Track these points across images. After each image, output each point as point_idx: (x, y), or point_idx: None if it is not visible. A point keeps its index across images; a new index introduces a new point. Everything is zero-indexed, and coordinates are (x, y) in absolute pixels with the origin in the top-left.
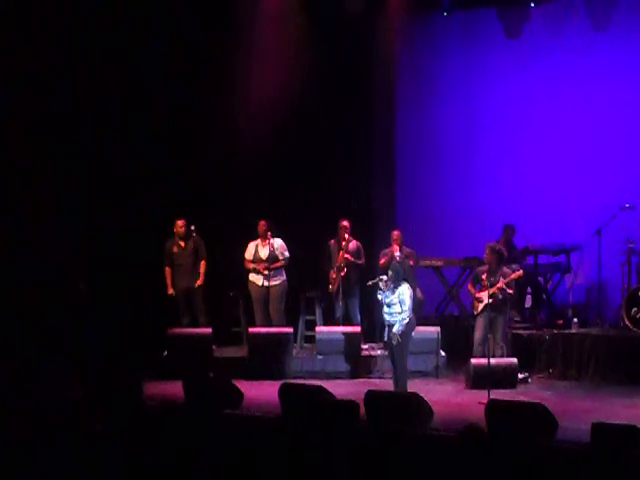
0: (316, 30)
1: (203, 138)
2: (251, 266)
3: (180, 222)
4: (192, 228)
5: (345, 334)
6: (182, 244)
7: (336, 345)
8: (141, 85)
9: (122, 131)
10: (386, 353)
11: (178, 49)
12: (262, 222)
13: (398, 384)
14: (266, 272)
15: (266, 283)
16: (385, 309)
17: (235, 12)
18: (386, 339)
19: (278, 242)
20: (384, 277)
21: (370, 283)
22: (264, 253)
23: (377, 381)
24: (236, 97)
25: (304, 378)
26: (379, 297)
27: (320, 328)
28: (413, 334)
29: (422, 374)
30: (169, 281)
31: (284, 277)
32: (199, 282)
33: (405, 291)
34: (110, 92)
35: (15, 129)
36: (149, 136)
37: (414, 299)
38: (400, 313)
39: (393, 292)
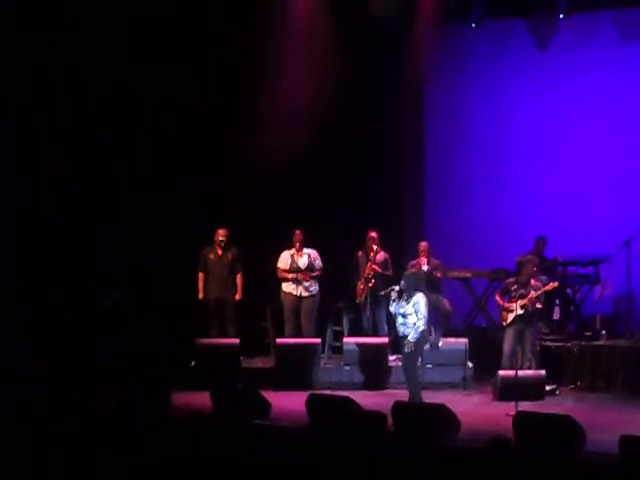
0: (346, 40)
1: (232, 147)
2: (289, 275)
3: (222, 231)
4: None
5: (372, 345)
6: (219, 252)
7: (363, 356)
8: (173, 92)
9: (158, 138)
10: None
11: (207, 55)
12: (298, 232)
13: (412, 394)
14: (307, 282)
15: (303, 293)
16: (400, 320)
17: (264, 24)
18: (401, 349)
19: (313, 252)
20: (396, 287)
21: (382, 293)
22: (302, 262)
23: (405, 392)
24: (268, 108)
25: (331, 389)
26: (391, 309)
27: (347, 339)
28: (441, 344)
29: (450, 385)
30: (201, 286)
31: (317, 288)
32: (238, 296)
33: (420, 300)
34: (143, 97)
35: (46, 134)
36: (181, 143)
37: (440, 310)
38: (415, 323)
39: (408, 302)
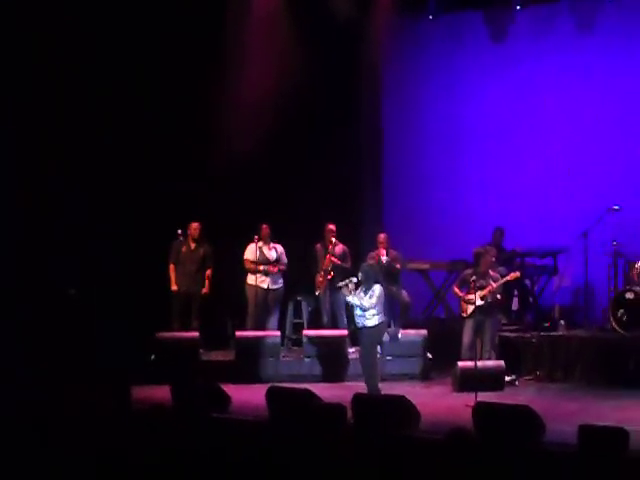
0: (305, 31)
1: (193, 141)
2: (260, 267)
3: (195, 224)
4: (179, 232)
5: (331, 337)
6: (192, 246)
7: (323, 348)
8: (135, 88)
9: (120, 132)
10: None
11: (170, 52)
12: (265, 226)
13: (369, 387)
14: (276, 274)
15: (271, 286)
16: (358, 312)
17: (225, 16)
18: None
19: (280, 247)
20: (354, 279)
21: (340, 284)
22: (271, 255)
23: (364, 385)
24: (227, 101)
25: (291, 381)
26: (348, 299)
27: (307, 331)
28: (400, 336)
29: (409, 377)
30: (173, 278)
31: (282, 282)
32: (205, 290)
33: (377, 293)
34: (107, 94)
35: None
36: (141, 138)
37: (399, 302)
38: (375, 315)
39: (366, 294)
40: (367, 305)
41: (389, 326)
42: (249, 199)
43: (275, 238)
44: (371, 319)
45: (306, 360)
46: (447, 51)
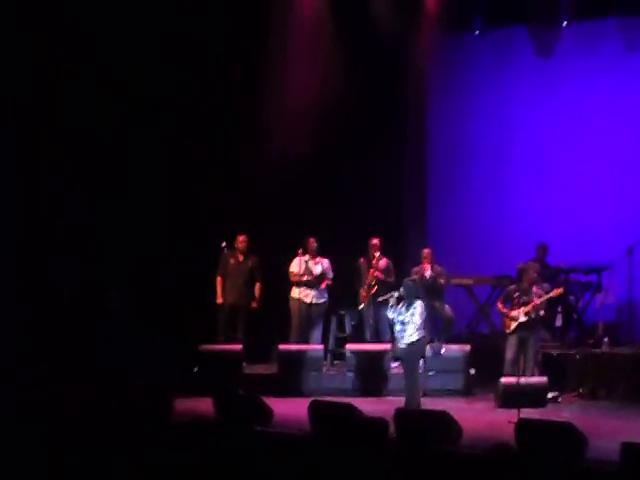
0: (348, 48)
1: (236, 154)
2: (302, 279)
3: (241, 237)
4: (223, 245)
5: (374, 352)
6: (240, 259)
7: (365, 363)
8: (181, 93)
9: (168, 141)
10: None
11: (209, 58)
12: (312, 239)
13: (409, 400)
14: (322, 288)
15: (314, 300)
16: (398, 327)
17: (269, 20)
18: (400, 356)
19: (326, 261)
20: (395, 293)
21: (381, 299)
22: (317, 270)
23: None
24: (271, 115)
25: (333, 395)
26: (389, 315)
27: (350, 346)
28: (443, 351)
29: (451, 392)
30: (219, 290)
31: (327, 297)
32: (255, 304)
33: (418, 309)
34: (154, 98)
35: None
36: (189, 148)
37: (442, 317)
38: (416, 331)
39: (407, 310)
40: (408, 320)
41: (432, 341)
42: (294, 212)
43: (320, 252)
44: (412, 335)
45: (349, 374)
46: (493, 67)
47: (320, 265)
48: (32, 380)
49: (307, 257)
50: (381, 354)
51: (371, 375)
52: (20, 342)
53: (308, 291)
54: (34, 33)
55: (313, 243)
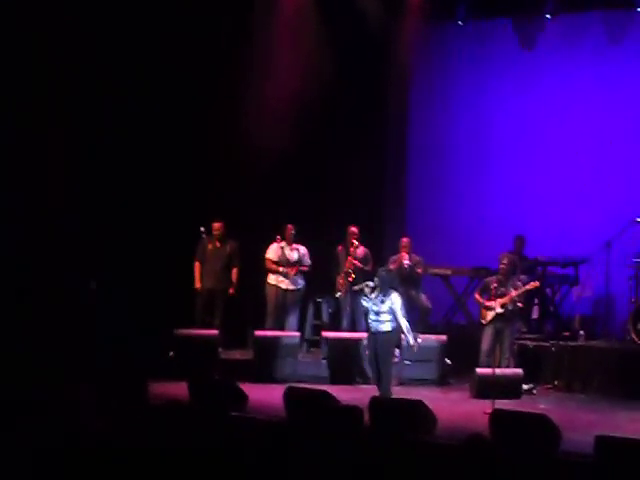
0: (332, 34)
1: (220, 143)
2: (280, 268)
3: (217, 224)
4: (202, 230)
5: (351, 340)
6: (218, 244)
7: (341, 351)
8: (160, 83)
9: (147, 127)
10: (393, 360)
11: (194, 51)
12: (290, 226)
13: (382, 389)
14: (295, 275)
15: (290, 287)
16: (372, 316)
17: (253, 12)
18: (369, 346)
19: (303, 248)
20: (370, 283)
21: (356, 288)
22: (293, 256)
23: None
24: (252, 104)
25: (309, 382)
26: (364, 303)
27: (326, 333)
28: (420, 341)
29: (427, 382)
30: (197, 275)
31: (304, 283)
32: (232, 290)
33: (395, 300)
34: (131, 88)
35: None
36: (168, 134)
37: (419, 307)
38: (390, 321)
39: (383, 301)
40: (383, 310)
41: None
42: (272, 198)
43: (298, 239)
44: (385, 324)
45: (324, 362)
46: (476, 57)
47: (297, 252)
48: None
49: (284, 244)
50: (357, 342)
51: (347, 363)
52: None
53: (283, 277)
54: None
55: (291, 230)
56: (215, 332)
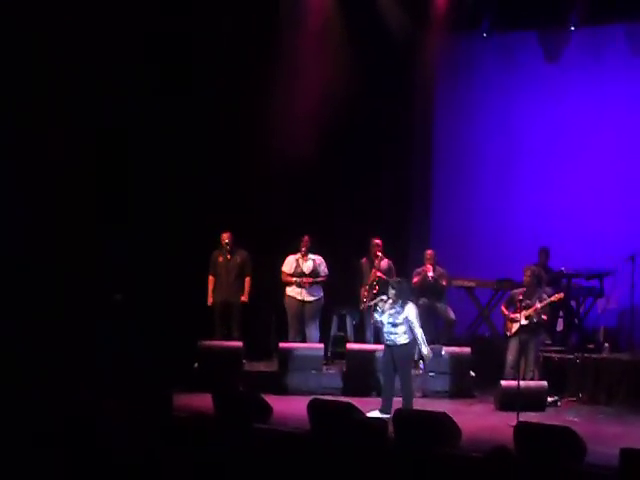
0: (358, 45)
1: (245, 153)
2: (292, 279)
3: (225, 235)
4: (227, 241)
5: (375, 352)
6: (228, 256)
7: (365, 363)
8: (185, 100)
9: (164, 145)
10: (416, 372)
11: (221, 65)
12: (306, 237)
13: (404, 402)
14: (310, 286)
15: (306, 298)
16: (388, 328)
17: (278, 29)
18: (385, 359)
19: (319, 258)
20: (384, 297)
21: (371, 303)
22: (307, 267)
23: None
24: (277, 114)
25: (334, 394)
26: (377, 317)
27: (351, 345)
28: (443, 353)
29: (451, 394)
30: (210, 290)
31: (322, 294)
32: (244, 298)
33: (411, 310)
34: (151, 98)
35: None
36: (193, 149)
37: (444, 319)
38: (406, 333)
39: (400, 313)
40: (399, 322)
41: (432, 343)
42: (297, 210)
43: (319, 250)
44: (402, 336)
45: (349, 374)
46: (500, 69)
47: (311, 262)
48: (34, 381)
49: (299, 255)
50: (372, 354)
51: (371, 375)
52: (23, 342)
53: (299, 289)
54: (35, 33)
55: (307, 241)
56: (240, 344)
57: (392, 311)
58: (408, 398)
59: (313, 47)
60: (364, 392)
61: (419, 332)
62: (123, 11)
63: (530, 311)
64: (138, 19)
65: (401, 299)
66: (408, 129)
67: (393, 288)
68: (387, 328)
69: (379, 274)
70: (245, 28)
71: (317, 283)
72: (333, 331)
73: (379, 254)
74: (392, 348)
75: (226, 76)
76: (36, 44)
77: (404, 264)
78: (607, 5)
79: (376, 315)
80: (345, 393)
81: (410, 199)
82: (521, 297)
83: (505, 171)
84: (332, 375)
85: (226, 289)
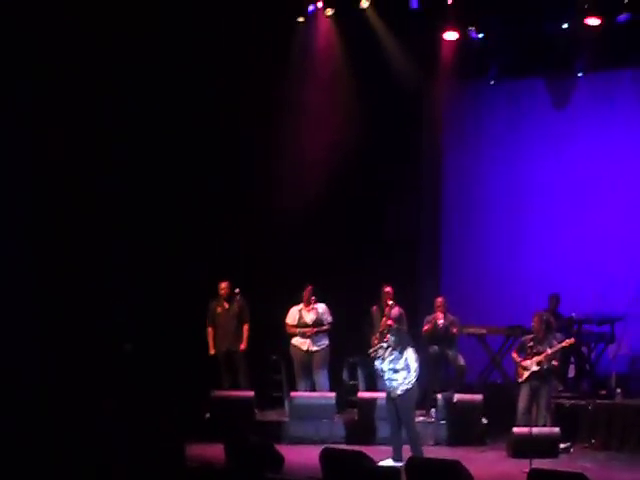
0: (365, 94)
1: (249, 200)
2: (296, 331)
3: (223, 284)
4: (236, 291)
5: (370, 399)
6: (226, 305)
7: (379, 411)
8: (192, 146)
9: (167, 190)
10: (428, 420)
11: (229, 109)
12: (309, 287)
13: (414, 448)
14: (316, 336)
15: (311, 348)
16: (389, 375)
17: (285, 68)
18: (388, 407)
19: (322, 306)
20: (384, 344)
21: (372, 351)
22: (310, 318)
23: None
24: (284, 160)
25: (346, 443)
26: (377, 365)
27: (362, 394)
28: (455, 401)
29: (464, 442)
30: (211, 341)
31: (327, 342)
32: (242, 346)
33: (411, 356)
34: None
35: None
36: (195, 196)
37: (455, 366)
38: (405, 379)
39: (399, 358)
40: (400, 368)
41: (444, 390)
42: (307, 258)
43: (329, 297)
44: (403, 383)
45: (361, 422)
46: (508, 116)
47: (313, 312)
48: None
49: (301, 306)
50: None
51: (384, 423)
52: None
53: (304, 339)
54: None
55: (309, 291)
56: (251, 393)
57: (391, 357)
58: (415, 444)
59: (321, 97)
60: (377, 440)
61: (412, 375)
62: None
63: (541, 357)
64: None
65: (402, 344)
66: (417, 177)
67: (392, 335)
68: (387, 375)
69: (390, 322)
70: (254, 77)
71: (322, 332)
72: (345, 379)
73: (390, 302)
74: (393, 397)
75: (233, 118)
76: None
77: (415, 312)
78: (614, 51)
79: (377, 363)
80: (357, 442)
81: (420, 247)
82: (532, 344)
83: (515, 217)
84: (345, 424)
85: (228, 338)
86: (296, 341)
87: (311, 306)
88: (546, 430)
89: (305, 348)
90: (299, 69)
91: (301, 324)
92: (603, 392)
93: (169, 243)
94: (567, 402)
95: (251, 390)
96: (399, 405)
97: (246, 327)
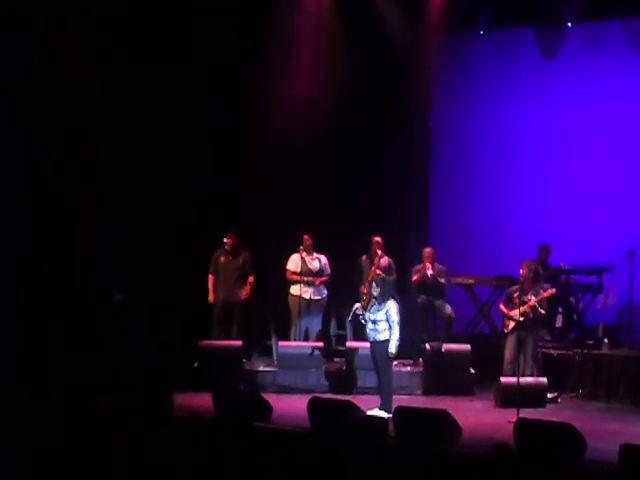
0: (353, 44)
1: (246, 154)
2: (298, 278)
3: (228, 236)
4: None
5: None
6: (230, 257)
7: (366, 361)
8: (178, 91)
9: (164, 139)
10: (416, 369)
11: (212, 52)
12: (306, 236)
13: (382, 398)
14: (317, 285)
15: (313, 297)
16: (370, 326)
17: (273, 19)
18: (371, 355)
19: (324, 258)
20: (357, 305)
21: (349, 319)
22: (314, 266)
23: (406, 397)
24: (271, 110)
25: (333, 393)
26: (361, 320)
27: (350, 343)
28: (443, 350)
29: (451, 391)
30: (211, 288)
31: (326, 292)
32: (244, 293)
33: (392, 307)
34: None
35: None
36: (196, 148)
37: (443, 316)
38: (387, 329)
39: (379, 310)
40: (380, 319)
41: (431, 340)
42: (294, 209)
43: (320, 249)
44: (382, 333)
45: (348, 371)
46: (497, 67)
47: (318, 261)
48: (32, 378)
49: (304, 254)
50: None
51: (371, 373)
52: (25, 340)
53: (307, 288)
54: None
55: (308, 240)
56: (239, 343)
57: (373, 308)
58: (386, 395)
59: (309, 44)
60: (364, 390)
61: (395, 329)
62: None
63: (525, 307)
64: None
65: (383, 295)
66: (405, 128)
67: (377, 284)
68: (369, 325)
69: (379, 272)
70: (240, 23)
71: (322, 282)
72: (333, 329)
73: (379, 252)
74: (372, 344)
75: (222, 71)
76: (36, 44)
77: (403, 262)
78: (603, 0)
79: (360, 319)
80: (345, 391)
81: (408, 197)
82: (517, 294)
83: (503, 168)
84: (332, 373)
85: (226, 289)
86: (297, 289)
87: (314, 255)
88: (533, 380)
89: (307, 297)
90: (286, 19)
91: (305, 272)
92: (590, 342)
93: (162, 194)
94: (554, 352)
95: (238, 340)
96: (376, 354)
97: (251, 278)
